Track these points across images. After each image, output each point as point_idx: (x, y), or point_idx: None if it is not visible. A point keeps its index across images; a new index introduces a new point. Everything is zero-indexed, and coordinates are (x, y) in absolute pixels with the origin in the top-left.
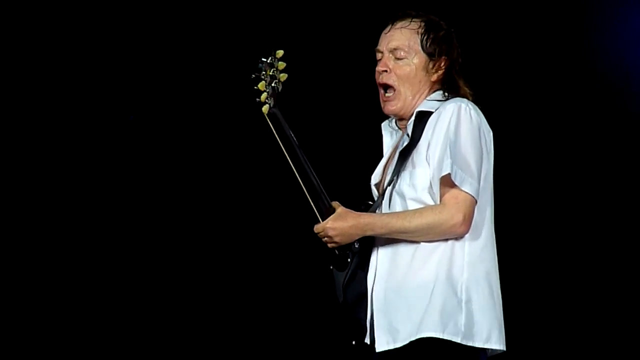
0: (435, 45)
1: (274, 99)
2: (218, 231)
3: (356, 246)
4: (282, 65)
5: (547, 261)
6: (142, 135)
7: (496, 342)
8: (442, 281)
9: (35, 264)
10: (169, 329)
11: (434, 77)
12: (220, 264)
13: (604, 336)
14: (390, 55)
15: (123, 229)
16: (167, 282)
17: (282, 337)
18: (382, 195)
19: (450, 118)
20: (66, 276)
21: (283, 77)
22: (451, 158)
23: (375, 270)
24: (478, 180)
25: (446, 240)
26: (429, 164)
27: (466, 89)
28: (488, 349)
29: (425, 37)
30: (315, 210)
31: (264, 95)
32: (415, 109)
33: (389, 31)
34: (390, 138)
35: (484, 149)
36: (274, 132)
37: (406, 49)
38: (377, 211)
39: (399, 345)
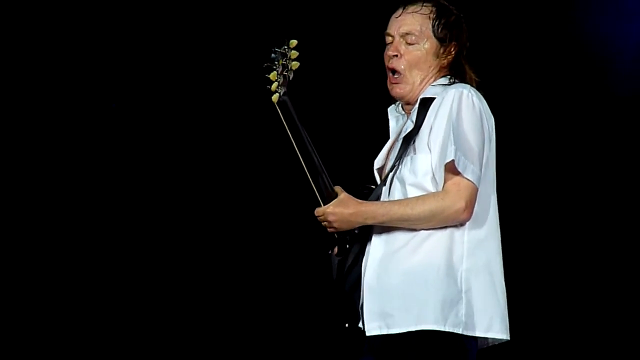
0: (447, 31)
1: (284, 88)
2: (218, 226)
3: (356, 232)
4: (294, 54)
5: (542, 255)
6: (142, 129)
7: (498, 331)
8: (442, 269)
9: (33, 264)
10: (168, 328)
11: (444, 63)
12: (219, 258)
13: (604, 334)
14: (401, 39)
15: (122, 226)
16: (167, 279)
17: (281, 327)
18: (383, 181)
19: (452, 104)
20: (64, 275)
21: (295, 65)
22: (455, 144)
23: (369, 255)
24: (480, 167)
25: (445, 227)
26: (430, 150)
27: (472, 74)
28: (489, 338)
29: (437, 22)
30: (318, 196)
31: (274, 85)
32: (421, 94)
33: (400, 15)
34: (396, 123)
35: (486, 135)
36: (283, 120)
37: (418, 34)
38: (379, 196)
39: (394, 331)
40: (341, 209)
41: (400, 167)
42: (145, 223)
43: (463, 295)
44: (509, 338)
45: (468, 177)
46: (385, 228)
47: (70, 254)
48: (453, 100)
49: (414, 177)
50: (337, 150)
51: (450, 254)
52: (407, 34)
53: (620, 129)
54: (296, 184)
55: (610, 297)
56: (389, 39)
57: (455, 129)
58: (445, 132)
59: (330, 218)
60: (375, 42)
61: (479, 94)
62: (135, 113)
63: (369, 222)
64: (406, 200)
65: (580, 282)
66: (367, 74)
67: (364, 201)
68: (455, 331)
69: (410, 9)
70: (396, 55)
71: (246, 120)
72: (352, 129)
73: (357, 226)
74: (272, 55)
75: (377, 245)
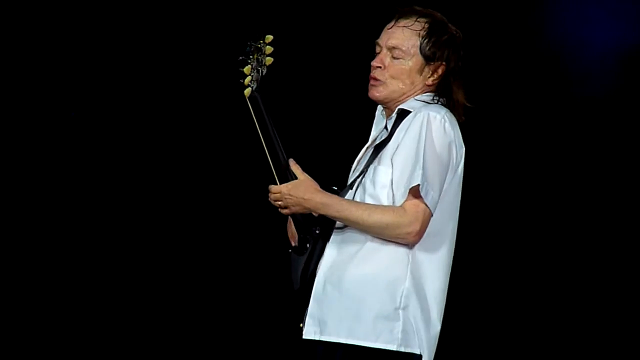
0: (435, 49)
1: (257, 83)
2: (212, 227)
3: (317, 232)
4: (269, 49)
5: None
6: (129, 129)
7: (426, 356)
8: (381, 284)
9: (30, 264)
10: (168, 329)
11: (429, 81)
12: (215, 257)
13: (601, 335)
14: (388, 52)
15: (117, 227)
16: (163, 281)
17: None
18: (350, 185)
19: (423, 126)
20: (62, 276)
21: (269, 60)
22: (422, 169)
23: (323, 259)
24: (439, 194)
25: (397, 244)
26: (392, 164)
27: (460, 95)
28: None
29: (426, 40)
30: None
31: (247, 79)
32: (400, 105)
33: (391, 27)
34: (376, 126)
35: (451, 165)
36: (253, 115)
37: (404, 50)
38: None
39: (324, 339)
40: (300, 192)
41: (365, 174)
42: (139, 222)
43: (400, 312)
44: None
45: (427, 203)
46: (343, 233)
47: (68, 254)
48: (424, 122)
49: (372, 188)
50: (312, 149)
51: (394, 270)
52: (394, 47)
53: (587, 132)
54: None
55: (600, 299)
56: (377, 49)
57: (424, 153)
58: (411, 153)
59: (287, 198)
60: (358, 41)
61: (453, 120)
62: (128, 113)
63: (323, 211)
64: (366, 205)
65: (565, 285)
66: (348, 73)
67: (326, 192)
68: (388, 348)
69: (402, 22)
70: (380, 67)
71: (235, 117)
72: (329, 128)
73: (310, 212)
74: (247, 48)
75: (331, 251)
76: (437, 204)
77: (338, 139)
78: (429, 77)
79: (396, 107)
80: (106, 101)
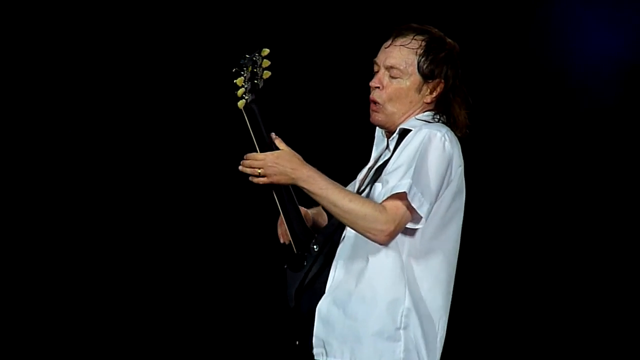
0: (433, 67)
1: (251, 95)
2: (211, 230)
3: (315, 249)
4: (266, 63)
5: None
6: (129, 130)
7: None
8: (382, 305)
9: (30, 264)
10: (168, 328)
11: (428, 99)
12: (213, 263)
13: (600, 336)
14: (386, 72)
15: (116, 229)
16: (162, 282)
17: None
18: None
19: (421, 143)
20: (62, 276)
21: (266, 74)
22: (412, 179)
23: (333, 280)
24: (430, 203)
25: (398, 263)
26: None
27: (461, 111)
28: None
29: (424, 58)
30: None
31: (240, 91)
32: (402, 124)
33: (389, 46)
34: (377, 147)
35: (448, 182)
36: (249, 126)
37: (402, 69)
38: None
39: None
40: (286, 160)
41: (365, 193)
42: (139, 225)
43: (401, 332)
44: None
45: (420, 212)
46: (347, 253)
47: (68, 254)
48: (424, 140)
49: None
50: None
51: (393, 290)
52: (391, 67)
53: (583, 142)
54: None
55: (600, 299)
56: (375, 68)
57: (417, 167)
58: (404, 164)
59: (270, 166)
60: (357, 62)
61: (454, 139)
62: (128, 115)
63: (305, 185)
64: (349, 191)
65: (568, 289)
66: (348, 88)
67: (312, 166)
68: None
69: (399, 41)
70: (378, 87)
71: (234, 121)
72: (330, 141)
73: (291, 183)
74: (242, 61)
75: (335, 272)
76: (429, 212)
77: (339, 153)
78: (428, 95)
79: (397, 127)
80: (105, 103)
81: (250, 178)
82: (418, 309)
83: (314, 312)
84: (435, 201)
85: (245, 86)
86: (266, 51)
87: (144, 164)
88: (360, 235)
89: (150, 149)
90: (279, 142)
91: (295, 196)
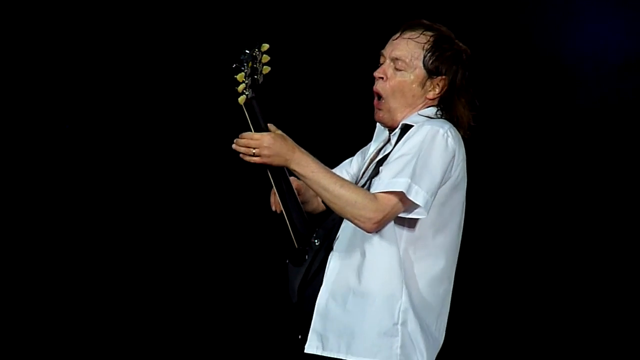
0: (438, 64)
1: (252, 91)
2: (211, 229)
3: (316, 243)
4: (266, 58)
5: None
6: (129, 130)
7: None
8: (379, 300)
9: (30, 264)
10: (168, 328)
11: (431, 95)
12: (212, 262)
13: (600, 336)
14: (391, 63)
15: (116, 229)
16: (162, 282)
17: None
18: None
19: (424, 138)
20: (62, 276)
21: (266, 69)
22: (411, 178)
23: (330, 273)
24: (431, 198)
25: (395, 258)
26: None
27: (464, 110)
28: None
29: (430, 54)
30: (280, 202)
31: (241, 86)
32: (403, 120)
33: (396, 38)
34: (378, 138)
35: (448, 178)
36: (249, 122)
37: (407, 62)
38: None
39: (326, 354)
40: (280, 143)
41: (365, 187)
42: (139, 225)
43: (399, 327)
44: None
45: (419, 203)
46: (344, 245)
47: (68, 254)
48: (427, 135)
49: None
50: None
51: (390, 286)
52: (397, 59)
53: (585, 137)
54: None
55: (600, 300)
56: (381, 59)
57: (418, 163)
58: (403, 161)
59: (266, 146)
60: (359, 58)
61: (457, 135)
62: (127, 115)
63: (298, 168)
64: (341, 178)
65: (570, 290)
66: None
67: (304, 149)
68: None
69: (408, 34)
70: (382, 78)
71: (234, 120)
72: (330, 137)
73: (281, 165)
74: (242, 56)
75: (333, 265)
76: (429, 204)
77: (338, 147)
78: (431, 91)
79: (399, 122)
80: (105, 103)
81: (241, 156)
82: (416, 304)
83: (310, 300)
84: (435, 193)
85: (246, 82)
86: (266, 46)
87: (143, 163)
88: (358, 229)
89: (150, 148)
90: (274, 128)
91: (294, 190)
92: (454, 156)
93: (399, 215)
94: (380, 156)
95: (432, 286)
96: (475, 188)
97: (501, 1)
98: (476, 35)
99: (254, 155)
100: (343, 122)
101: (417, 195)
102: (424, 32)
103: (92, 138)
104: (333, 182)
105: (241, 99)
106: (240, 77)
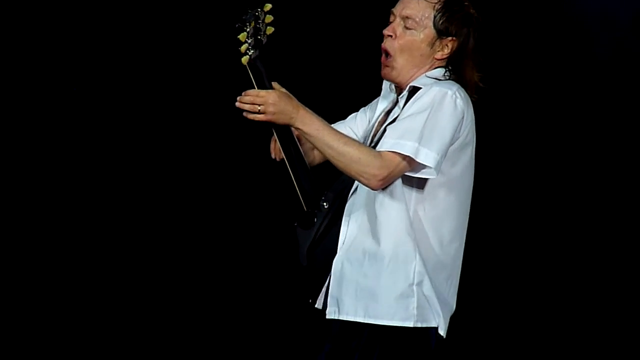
0: (448, 24)
1: (255, 51)
2: (211, 223)
3: (325, 206)
4: (269, 18)
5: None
6: (128, 128)
7: (443, 329)
8: (395, 262)
9: (30, 264)
10: (168, 328)
11: (438, 55)
12: (214, 254)
13: (600, 336)
14: (401, 22)
15: (117, 227)
16: (162, 282)
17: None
18: None
19: (432, 100)
20: (62, 276)
21: (269, 30)
22: (419, 142)
23: (345, 237)
24: (441, 158)
25: (407, 217)
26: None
27: (473, 73)
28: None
29: (440, 14)
30: (290, 169)
31: (244, 47)
32: (411, 82)
33: None
34: (383, 99)
35: (458, 139)
36: (253, 81)
37: (417, 20)
38: None
39: (343, 318)
40: (286, 101)
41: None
42: (139, 222)
43: (414, 288)
44: (444, 337)
45: (428, 164)
46: (359, 210)
47: (68, 254)
48: (435, 97)
49: None
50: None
51: (404, 246)
52: (407, 17)
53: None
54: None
55: (601, 300)
56: (391, 18)
57: (427, 125)
58: (412, 123)
59: (271, 103)
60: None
61: (466, 97)
62: (126, 111)
63: (302, 126)
64: (345, 135)
65: (572, 282)
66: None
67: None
68: (405, 325)
69: None
70: (391, 36)
71: (235, 115)
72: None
73: (285, 123)
74: (244, 16)
75: (346, 229)
76: (439, 164)
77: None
78: (439, 52)
79: (408, 83)
80: (105, 98)
81: (244, 114)
82: (429, 264)
83: (326, 270)
84: (445, 154)
85: (249, 42)
86: (268, 6)
87: (143, 162)
88: (370, 191)
89: (150, 147)
90: (278, 86)
91: (302, 152)
92: (463, 117)
93: (407, 174)
94: (389, 119)
95: (443, 246)
96: (486, 152)
97: None
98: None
99: (258, 112)
100: (349, 81)
101: (426, 157)
102: None
103: (91, 135)
104: (337, 140)
105: (244, 59)
106: (242, 37)
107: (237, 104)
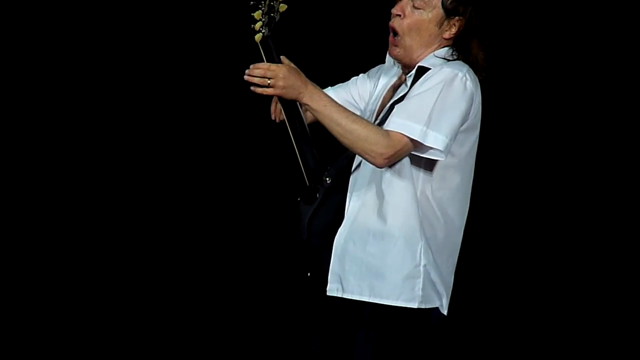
0: (457, 4)
1: (268, 28)
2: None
3: (328, 181)
4: None
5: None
6: (127, 130)
7: (445, 308)
8: (401, 242)
9: (30, 263)
10: (168, 328)
11: (446, 35)
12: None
13: (600, 336)
14: (410, 1)
15: (117, 227)
16: (163, 282)
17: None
18: None
19: (442, 82)
20: (62, 276)
21: (282, 7)
22: (426, 125)
23: (348, 213)
24: (450, 141)
25: (414, 197)
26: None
27: (479, 51)
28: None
29: None
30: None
31: (258, 24)
32: (419, 61)
33: None
34: (389, 72)
35: (467, 121)
36: (264, 57)
37: (426, 0)
38: None
39: (347, 296)
40: (295, 75)
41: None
42: (136, 220)
43: (421, 269)
44: (446, 315)
45: (438, 147)
46: (363, 186)
47: (68, 253)
48: (444, 79)
49: None
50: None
51: (410, 226)
52: None
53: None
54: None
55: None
56: None
57: (437, 108)
58: (420, 104)
59: (281, 78)
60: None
61: (475, 79)
62: (125, 110)
63: (310, 102)
64: (352, 113)
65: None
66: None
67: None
68: (409, 306)
69: None
70: (399, 15)
71: (238, 115)
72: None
73: (293, 98)
74: None
75: (354, 205)
76: (448, 146)
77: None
78: (447, 31)
79: (415, 62)
80: (104, 98)
81: (252, 88)
82: (435, 245)
83: (326, 245)
84: (455, 135)
85: (263, 20)
86: None
87: (143, 161)
88: (376, 169)
89: (150, 146)
90: (287, 61)
91: (307, 127)
92: (472, 99)
93: (415, 153)
94: (395, 97)
95: (448, 227)
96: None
97: None
98: None
99: (267, 86)
100: (356, 59)
101: (435, 141)
102: None
103: (90, 135)
104: (345, 117)
105: (257, 37)
106: (257, 14)
107: (245, 77)
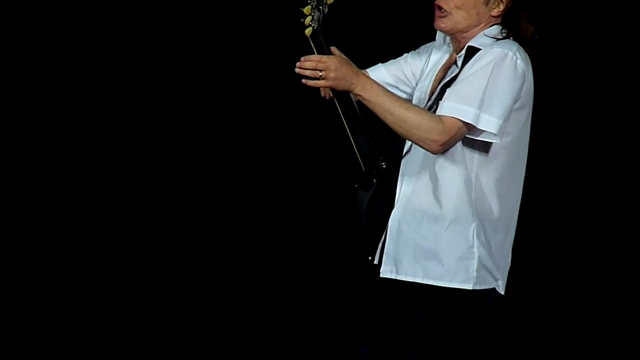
0: None
1: (318, 22)
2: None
3: (384, 166)
4: None
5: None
6: (127, 129)
7: (502, 288)
8: (454, 223)
9: (30, 263)
10: (168, 328)
11: (494, 12)
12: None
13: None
14: None
15: (117, 226)
16: (164, 281)
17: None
18: None
19: (493, 63)
20: (62, 275)
21: (330, 0)
22: (479, 108)
23: (399, 196)
24: (503, 123)
25: (468, 178)
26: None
27: (530, 27)
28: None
29: None
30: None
31: (308, 19)
32: (468, 41)
33: None
34: (439, 51)
35: (519, 100)
36: (314, 50)
37: None
38: None
39: (400, 278)
40: (347, 67)
41: (432, 110)
42: (136, 219)
43: (475, 250)
44: (503, 294)
45: (491, 130)
46: (416, 168)
47: (68, 253)
48: (494, 59)
49: None
50: None
51: (462, 208)
52: None
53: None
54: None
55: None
56: None
57: (488, 89)
58: (472, 87)
59: (333, 69)
60: None
61: (526, 58)
62: (128, 108)
63: (362, 93)
64: (405, 101)
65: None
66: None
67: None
68: (464, 287)
69: None
70: None
71: (244, 114)
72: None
73: (346, 89)
74: None
75: (406, 188)
76: (502, 129)
77: None
78: (495, 9)
79: (465, 42)
80: (104, 98)
81: (304, 81)
82: (489, 226)
83: (383, 228)
84: (508, 115)
85: (312, 14)
86: None
87: (142, 160)
88: (427, 152)
89: (149, 146)
90: (338, 52)
91: (359, 112)
92: (523, 77)
93: (469, 136)
94: (446, 78)
95: (502, 206)
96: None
97: None
98: None
99: (319, 78)
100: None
101: (487, 124)
102: None
103: (91, 135)
104: (398, 106)
105: (307, 31)
106: (307, 9)
107: (297, 69)
